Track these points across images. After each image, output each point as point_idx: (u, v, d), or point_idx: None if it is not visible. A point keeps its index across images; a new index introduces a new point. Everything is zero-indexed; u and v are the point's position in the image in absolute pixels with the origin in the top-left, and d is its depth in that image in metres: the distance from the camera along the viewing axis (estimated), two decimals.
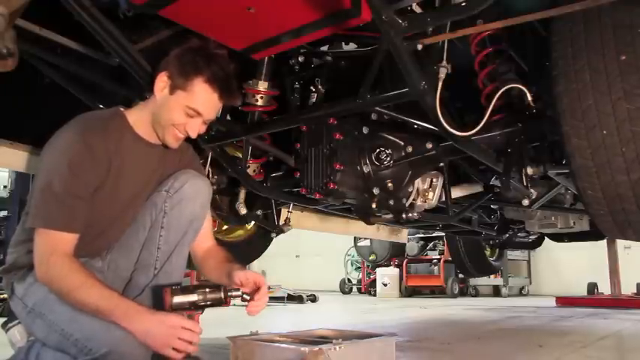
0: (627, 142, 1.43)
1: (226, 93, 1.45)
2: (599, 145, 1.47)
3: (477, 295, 8.69)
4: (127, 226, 1.52)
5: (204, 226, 1.60)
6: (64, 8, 1.50)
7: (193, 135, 1.48)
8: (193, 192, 1.52)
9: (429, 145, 1.87)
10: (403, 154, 1.92)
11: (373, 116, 1.91)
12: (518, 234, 3.96)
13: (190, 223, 1.52)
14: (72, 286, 1.29)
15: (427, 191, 2.04)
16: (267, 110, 1.98)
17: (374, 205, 1.94)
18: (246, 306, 1.47)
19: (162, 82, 1.43)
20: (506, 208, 3.14)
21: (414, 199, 2.02)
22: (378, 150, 1.91)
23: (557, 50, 1.53)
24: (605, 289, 6.59)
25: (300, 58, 1.96)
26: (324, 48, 1.99)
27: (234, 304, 1.49)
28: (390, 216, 2.02)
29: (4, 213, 6.66)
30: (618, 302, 5.64)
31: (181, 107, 1.42)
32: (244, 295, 1.45)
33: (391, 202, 1.95)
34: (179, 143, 1.51)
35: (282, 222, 2.65)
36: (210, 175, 2.30)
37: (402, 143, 1.92)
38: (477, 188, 2.45)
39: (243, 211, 2.42)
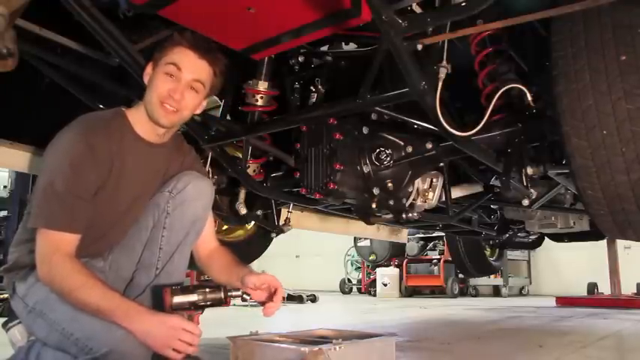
0: (627, 142, 1.43)
1: (203, 49, 1.46)
2: (599, 145, 1.47)
3: (477, 295, 8.68)
4: (129, 229, 1.52)
5: (206, 227, 1.61)
6: (64, 8, 1.50)
7: (183, 106, 1.45)
8: (196, 193, 1.52)
9: (429, 145, 1.88)
10: (403, 154, 1.92)
11: (373, 116, 1.91)
12: (518, 234, 3.96)
13: (192, 224, 1.52)
14: (73, 286, 1.29)
15: (427, 191, 2.04)
16: (267, 110, 1.98)
17: (374, 205, 1.94)
18: (246, 305, 1.47)
19: (148, 68, 1.49)
20: (506, 208, 3.14)
21: (414, 199, 2.02)
22: (378, 150, 1.91)
23: (557, 50, 1.53)
24: (605, 289, 6.60)
25: (300, 58, 1.96)
26: (324, 48, 1.99)
27: (234, 304, 1.49)
28: (390, 216, 2.02)
29: (4, 213, 6.66)
30: (618, 302, 5.65)
31: (162, 71, 1.44)
32: (244, 295, 1.45)
33: (391, 202, 1.95)
34: (171, 120, 1.47)
35: (282, 222, 2.66)
36: (210, 175, 2.30)
37: (402, 143, 1.92)
38: (477, 188, 2.44)
39: (243, 211, 2.42)
